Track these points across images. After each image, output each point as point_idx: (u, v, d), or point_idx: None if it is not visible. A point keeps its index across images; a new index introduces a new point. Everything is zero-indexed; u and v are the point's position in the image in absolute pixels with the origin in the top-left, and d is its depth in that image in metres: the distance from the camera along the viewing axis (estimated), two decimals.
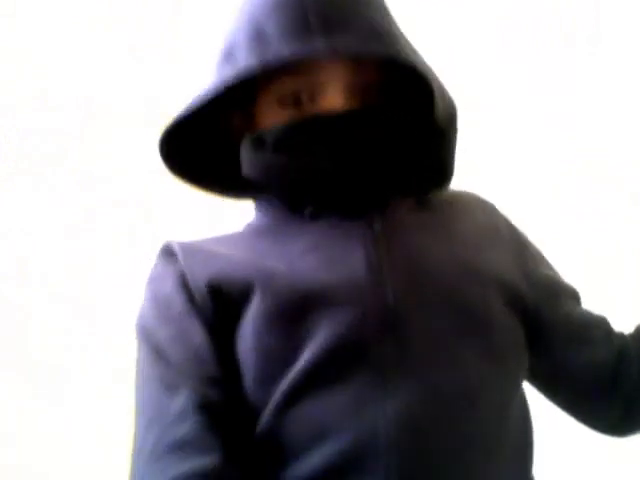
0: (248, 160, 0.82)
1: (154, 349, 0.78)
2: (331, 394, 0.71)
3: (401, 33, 0.79)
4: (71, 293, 1.91)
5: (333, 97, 0.77)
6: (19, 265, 1.91)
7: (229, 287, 0.76)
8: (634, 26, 1.79)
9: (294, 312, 0.74)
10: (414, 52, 0.78)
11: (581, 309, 0.89)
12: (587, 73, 1.79)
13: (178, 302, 0.78)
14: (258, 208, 0.89)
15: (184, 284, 0.79)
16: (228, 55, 0.78)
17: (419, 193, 0.83)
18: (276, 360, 0.73)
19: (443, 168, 0.80)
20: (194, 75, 2.02)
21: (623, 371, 0.84)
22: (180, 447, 0.69)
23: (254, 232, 0.86)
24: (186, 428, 0.70)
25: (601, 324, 0.88)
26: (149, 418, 0.74)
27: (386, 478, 0.68)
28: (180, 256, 0.81)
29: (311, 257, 0.78)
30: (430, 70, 0.78)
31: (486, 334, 0.77)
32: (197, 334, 0.76)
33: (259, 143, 0.79)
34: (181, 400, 0.72)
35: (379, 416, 0.69)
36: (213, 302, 0.77)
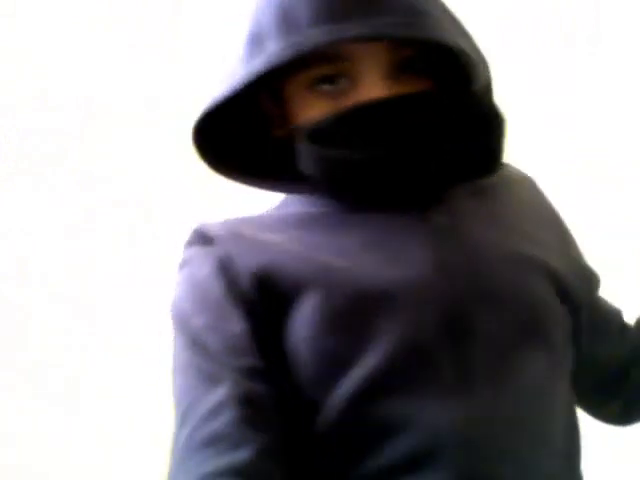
0: (303, 154, 0.76)
1: (191, 338, 0.73)
2: (398, 396, 0.69)
3: (438, 6, 0.75)
4: (71, 293, 1.91)
5: (374, 82, 0.73)
6: (19, 265, 1.91)
7: (279, 281, 0.72)
8: (634, 26, 1.79)
9: (355, 313, 0.71)
10: (455, 26, 0.75)
11: (602, 299, 0.88)
12: (587, 73, 1.79)
13: (216, 288, 0.74)
14: (304, 196, 0.82)
15: (225, 269, 0.74)
16: (256, 41, 0.73)
17: (468, 179, 0.77)
18: (335, 363, 0.71)
19: (493, 152, 0.76)
20: (194, 75, 2.02)
21: (632, 367, 0.85)
22: (215, 442, 0.66)
23: (298, 220, 0.79)
24: (222, 422, 0.66)
25: (617, 317, 0.88)
26: (185, 410, 0.70)
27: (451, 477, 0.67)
28: (221, 240, 0.77)
29: (370, 253, 0.73)
30: (473, 48, 0.74)
31: (545, 332, 0.75)
32: (237, 323, 0.72)
33: (313, 135, 0.74)
34: (219, 393, 0.68)
35: (445, 418, 0.68)
36: (259, 293, 0.73)
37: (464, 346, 0.71)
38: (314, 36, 0.69)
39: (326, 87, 0.74)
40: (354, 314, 0.71)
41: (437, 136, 0.72)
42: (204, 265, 0.76)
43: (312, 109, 0.74)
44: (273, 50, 0.70)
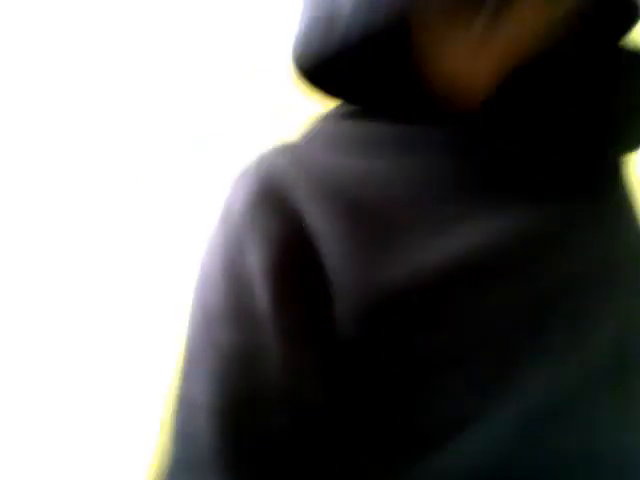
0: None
1: (213, 346, 0.50)
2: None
3: None
4: (71, 293, 1.91)
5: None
6: (19, 265, 1.91)
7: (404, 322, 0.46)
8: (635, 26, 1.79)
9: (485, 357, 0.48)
10: None
11: None
12: None
13: (264, 297, 0.48)
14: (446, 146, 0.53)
15: (296, 267, 0.47)
16: None
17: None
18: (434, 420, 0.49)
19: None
20: (194, 75, 2.01)
21: None
22: None
23: (421, 176, 0.51)
24: None
25: None
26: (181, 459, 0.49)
27: None
28: (305, 207, 0.47)
29: (527, 261, 0.50)
30: None
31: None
32: (277, 359, 0.47)
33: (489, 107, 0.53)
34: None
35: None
36: (362, 338, 0.47)
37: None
38: None
39: (466, 12, 0.53)
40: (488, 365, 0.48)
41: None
42: (257, 246, 0.48)
43: (450, 40, 0.54)
44: None
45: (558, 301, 0.50)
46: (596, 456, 0.48)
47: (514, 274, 0.48)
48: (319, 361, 0.48)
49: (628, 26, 0.58)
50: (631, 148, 0.56)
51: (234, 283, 0.49)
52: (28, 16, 1.85)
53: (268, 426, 0.47)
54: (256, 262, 0.48)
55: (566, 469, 0.47)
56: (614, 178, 0.59)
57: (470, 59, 0.52)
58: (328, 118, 0.58)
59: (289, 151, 0.52)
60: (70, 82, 1.89)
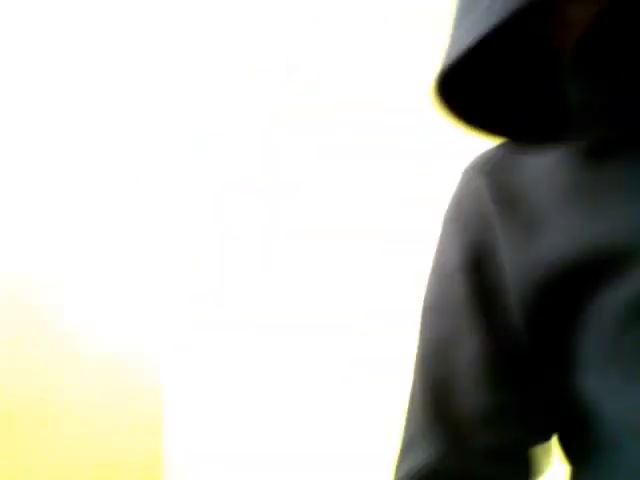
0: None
1: (419, 356, 0.59)
2: None
3: None
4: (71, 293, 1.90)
5: None
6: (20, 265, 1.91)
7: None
8: None
9: None
10: None
11: None
12: None
13: (461, 291, 0.55)
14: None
15: (484, 265, 0.53)
16: None
17: None
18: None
19: None
20: (194, 75, 2.01)
21: None
22: None
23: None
24: None
25: None
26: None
27: None
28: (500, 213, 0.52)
29: None
30: None
31: None
32: (470, 345, 0.54)
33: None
34: (409, 463, 0.56)
35: None
36: (528, 321, 0.52)
37: None
38: None
39: None
40: None
41: None
42: (457, 251, 0.56)
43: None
44: None
45: None
46: None
47: None
48: (505, 347, 0.54)
49: None
50: None
51: (440, 280, 0.57)
52: (28, 16, 1.85)
53: (465, 407, 0.54)
54: (456, 262, 0.56)
55: None
56: None
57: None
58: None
59: (484, 169, 0.57)
60: (70, 83, 1.89)
